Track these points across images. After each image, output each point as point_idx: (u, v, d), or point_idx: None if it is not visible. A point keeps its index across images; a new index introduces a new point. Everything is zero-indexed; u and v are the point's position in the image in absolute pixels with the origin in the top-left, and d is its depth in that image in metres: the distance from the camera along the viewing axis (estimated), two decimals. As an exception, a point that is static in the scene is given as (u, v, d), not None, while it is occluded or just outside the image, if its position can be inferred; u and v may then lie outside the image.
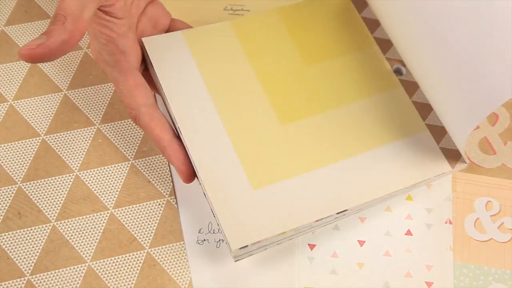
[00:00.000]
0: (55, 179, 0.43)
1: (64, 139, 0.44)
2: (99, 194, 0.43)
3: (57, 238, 0.41)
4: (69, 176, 0.43)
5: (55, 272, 0.40)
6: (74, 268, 0.41)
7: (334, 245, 0.41)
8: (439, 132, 0.41)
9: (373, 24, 0.44)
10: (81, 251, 0.41)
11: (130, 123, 0.45)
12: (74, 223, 0.42)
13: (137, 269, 0.41)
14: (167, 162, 0.44)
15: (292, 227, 0.36)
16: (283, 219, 0.37)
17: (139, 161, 0.44)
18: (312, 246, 0.41)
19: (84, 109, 0.46)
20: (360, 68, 0.43)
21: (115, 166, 0.44)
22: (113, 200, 0.43)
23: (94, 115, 0.45)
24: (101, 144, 0.44)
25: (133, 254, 0.41)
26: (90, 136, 0.45)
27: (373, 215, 0.42)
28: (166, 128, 0.39)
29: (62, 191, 0.43)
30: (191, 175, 0.39)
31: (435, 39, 0.37)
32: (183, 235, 0.42)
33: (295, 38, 0.43)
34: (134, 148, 0.44)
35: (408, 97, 0.42)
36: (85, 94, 0.46)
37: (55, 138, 0.44)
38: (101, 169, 0.44)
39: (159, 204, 0.43)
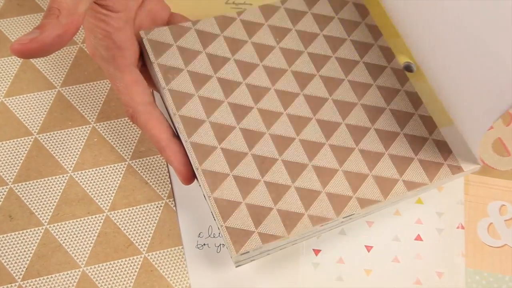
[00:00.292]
0: (48, 180, 0.43)
1: (58, 138, 0.44)
2: (94, 196, 0.43)
3: (49, 242, 0.41)
4: (63, 177, 0.43)
5: (47, 278, 0.40)
6: (67, 274, 0.40)
7: (340, 251, 0.41)
8: None
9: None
10: (75, 255, 0.41)
11: (127, 122, 0.45)
12: (67, 226, 0.42)
13: (134, 275, 0.41)
14: (165, 163, 0.44)
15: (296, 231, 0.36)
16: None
17: (136, 162, 0.44)
18: (317, 251, 0.41)
19: (79, 107, 0.45)
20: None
21: (111, 167, 0.44)
22: (108, 202, 0.43)
23: (89, 113, 0.45)
24: (96, 143, 0.44)
25: (129, 259, 0.41)
26: (85, 135, 0.45)
27: (381, 219, 0.42)
28: (164, 127, 0.39)
29: (55, 192, 0.43)
30: (190, 176, 0.39)
31: (450, 33, 0.37)
32: (182, 239, 0.42)
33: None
34: (131, 148, 0.44)
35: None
36: (80, 91, 0.46)
37: (48, 137, 0.44)
38: (96, 169, 0.44)
39: (157, 207, 0.43)
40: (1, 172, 0.43)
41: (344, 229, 0.42)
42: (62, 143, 0.44)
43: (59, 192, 0.43)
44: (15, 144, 0.44)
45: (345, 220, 0.38)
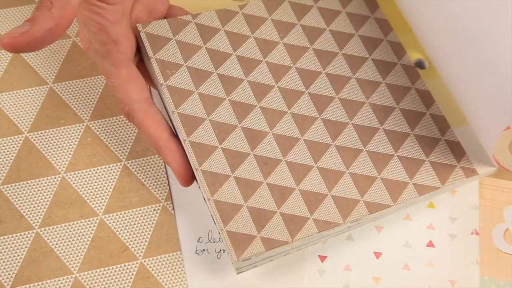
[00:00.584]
0: (39, 181, 0.43)
1: (50, 137, 0.44)
2: (88, 198, 0.43)
3: (40, 247, 0.41)
4: (55, 178, 0.43)
5: (38, 285, 0.40)
6: (59, 280, 0.40)
7: (347, 257, 0.41)
8: None
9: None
10: (67, 261, 0.41)
11: (122, 120, 0.45)
12: (59, 230, 0.42)
13: (129, 282, 0.40)
14: (163, 164, 0.44)
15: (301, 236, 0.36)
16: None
17: (132, 162, 0.44)
18: (323, 258, 0.41)
19: (72, 104, 0.45)
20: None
21: (105, 168, 0.44)
22: (103, 205, 0.42)
23: (82, 111, 0.45)
24: (90, 143, 0.44)
25: (124, 265, 0.41)
26: (78, 134, 0.44)
27: (391, 224, 0.42)
28: (162, 126, 0.39)
29: (47, 194, 0.43)
30: (189, 177, 0.39)
31: (467, 26, 0.37)
32: (180, 245, 0.42)
33: None
34: (127, 148, 0.44)
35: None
36: (73, 88, 0.46)
37: (40, 136, 0.44)
38: (90, 170, 0.43)
39: (154, 210, 0.42)
40: (-10, 172, 0.43)
41: (352, 235, 0.42)
42: (54, 142, 0.44)
43: (51, 194, 0.43)
44: (5, 143, 0.44)
45: (353, 225, 0.38)
